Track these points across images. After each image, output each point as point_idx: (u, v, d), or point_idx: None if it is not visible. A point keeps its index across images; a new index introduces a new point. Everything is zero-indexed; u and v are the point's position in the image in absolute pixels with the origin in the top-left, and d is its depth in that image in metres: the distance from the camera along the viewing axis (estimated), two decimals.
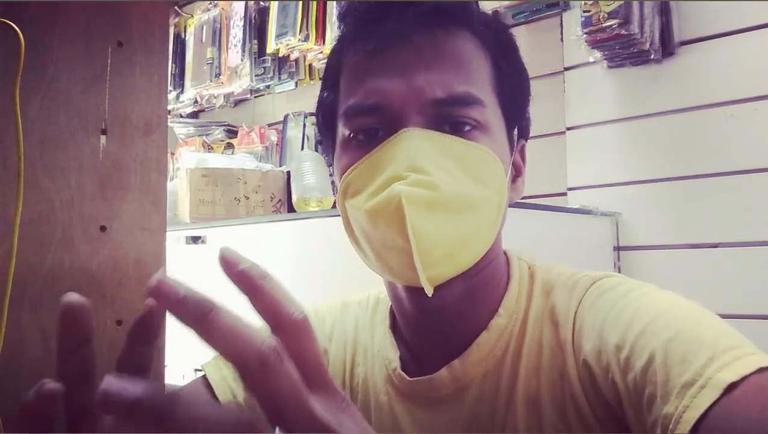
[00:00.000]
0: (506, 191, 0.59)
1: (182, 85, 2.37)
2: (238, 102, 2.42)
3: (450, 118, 0.56)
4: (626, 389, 0.49)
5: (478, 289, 0.60)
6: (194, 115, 2.57)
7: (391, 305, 0.67)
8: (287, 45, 1.97)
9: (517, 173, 0.64)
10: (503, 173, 0.57)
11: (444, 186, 0.53)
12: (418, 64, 0.56)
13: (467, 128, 0.56)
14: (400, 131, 0.54)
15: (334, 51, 0.64)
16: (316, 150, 1.85)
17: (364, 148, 0.56)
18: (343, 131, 0.59)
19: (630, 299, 0.54)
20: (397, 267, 0.55)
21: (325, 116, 0.63)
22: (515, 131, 0.62)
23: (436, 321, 0.60)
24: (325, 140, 0.65)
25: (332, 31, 1.89)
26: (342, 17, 0.63)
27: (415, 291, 0.57)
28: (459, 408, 0.59)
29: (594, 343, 0.53)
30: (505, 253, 0.65)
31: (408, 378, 0.62)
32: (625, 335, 0.50)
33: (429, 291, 0.54)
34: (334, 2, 1.89)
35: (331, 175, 1.62)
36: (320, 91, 0.65)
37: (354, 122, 0.57)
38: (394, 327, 0.67)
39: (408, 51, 0.56)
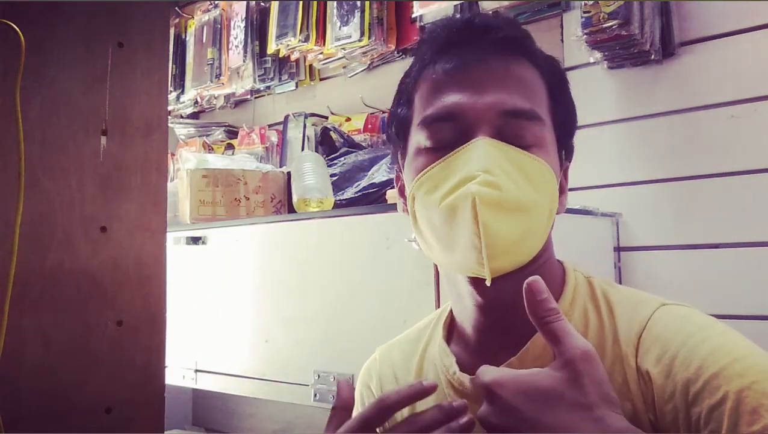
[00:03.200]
0: (557, 199, 0.67)
1: (182, 86, 2.37)
2: (239, 103, 2.42)
3: (515, 130, 0.64)
4: (687, 418, 0.56)
5: None
6: (195, 115, 2.56)
7: (446, 321, 0.76)
8: (288, 46, 1.97)
9: (561, 190, 0.72)
10: (555, 183, 0.66)
11: (507, 188, 0.61)
12: (490, 82, 0.65)
13: (529, 141, 0.64)
14: (475, 138, 0.63)
15: (410, 72, 0.72)
16: (317, 151, 1.85)
17: (438, 153, 0.65)
18: (418, 137, 0.67)
19: (707, 335, 0.59)
20: (463, 259, 0.63)
21: (398, 127, 0.73)
22: (562, 153, 0.71)
23: (494, 312, 0.68)
24: (395, 149, 0.75)
25: (333, 31, 1.89)
26: (422, 42, 0.72)
27: (476, 284, 0.66)
28: None
29: (663, 368, 0.59)
30: (561, 264, 0.72)
31: (469, 376, 0.68)
32: (700, 371, 0.56)
33: (488, 280, 0.61)
34: (335, 2, 1.89)
35: (335, 177, 1.62)
36: (393, 107, 0.74)
37: (431, 128, 0.66)
38: (449, 339, 0.75)
39: (482, 71, 0.65)
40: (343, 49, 1.88)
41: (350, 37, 1.84)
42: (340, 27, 1.87)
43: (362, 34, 1.82)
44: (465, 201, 0.60)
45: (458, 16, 1.62)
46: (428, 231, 0.67)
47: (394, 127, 0.74)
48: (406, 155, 0.71)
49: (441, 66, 0.67)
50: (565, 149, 0.71)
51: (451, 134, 0.65)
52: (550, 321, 0.53)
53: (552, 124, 0.68)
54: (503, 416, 0.52)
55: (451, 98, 0.65)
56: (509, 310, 0.67)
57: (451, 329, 0.75)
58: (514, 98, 0.64)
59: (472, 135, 0.63)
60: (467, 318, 0.71)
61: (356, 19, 1.83)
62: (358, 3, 1.83)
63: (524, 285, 0.54)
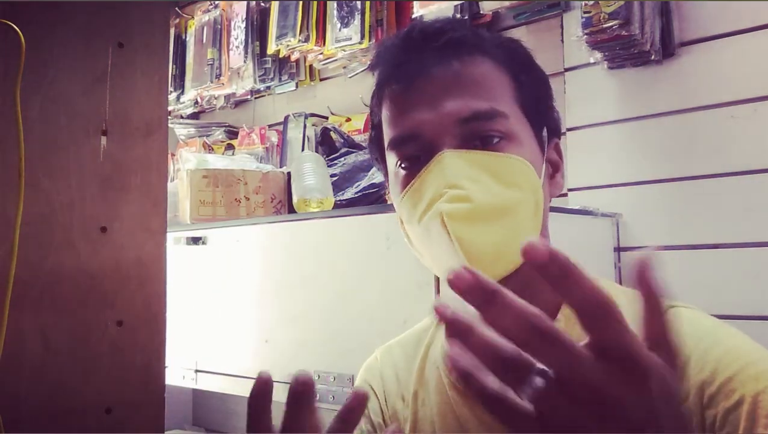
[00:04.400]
0: (541, 189, 0.65)
1: (183, 86, 2.37)
2: (239, 103, 2.42)
3: (478, 133, 0.63)
4: (701, 421, 0.55)
5: (532, 283, 0.65)
6: (195, 116, 2.56)
7: None
8: (288, 46, 1.97)
9: (554, 169, 0.71)
10: (535, 174, 0.64)
11: (478, 197, 0.60)
12: (441, 93, 0.64)
13: (495, 140, 0.63)
14: (436, 155, 0.62)
15: (372, 95, 0.73)
16: (317, 151, 1.85)
17: (410, 175, 0.65)
18: (390, 160, 0.68)
19: (718, 337, 0.59)
20: None
21: (375, 150, 0.74)
22: (544, 133, 0.69)
23: None
24: (380, 170, 0.76)
25: (333, 32, 1.89)
26: (373, 66, 0.72)
27: None
28: None
29: None
30: None
31: None
32: (715, 374, 0.56)
33: None
34: (335, 3, 1.89)
35: (335, 178, 1.62)
36: (369, 131, 0.76)
37: (398, 151, 0.66)
38: None
39: (432, 84, 0.64)
40: (343, 50, 1.88)
41: (350, 39, 1.84)
42: (340, 28, 1.87)
43: (363, 36, 1.82)
44: (436, 221, 0.60)
45: (458, 16, 1.62)
46: (421, 249, 0.67)
47: (371, 150, 0.75)
48: (388, 176, 0.71)
49: (392, 87, 0.67)
50: (546, 127, 0.70)
51: (418, 153, 0.65)
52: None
53: (521, 110, 0.66)
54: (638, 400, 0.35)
55: (409, 118, 0.65)
56: None
57: None
58: (469, 102, 0.63)
59: (437, 149, 0.63)
60: None
61: (356, 22, 1.83)
62: (358, 5, 1.83)
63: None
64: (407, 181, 0.65)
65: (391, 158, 0.68)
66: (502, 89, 0.66)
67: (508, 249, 0.62)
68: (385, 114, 0.69)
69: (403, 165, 0.66)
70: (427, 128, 0.64)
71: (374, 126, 0.73)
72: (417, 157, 0.65)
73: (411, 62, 0.66)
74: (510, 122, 0.64)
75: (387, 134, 0.68)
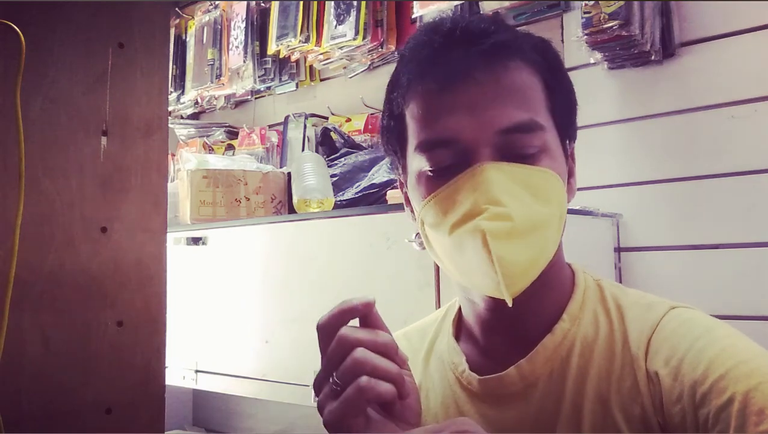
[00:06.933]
0: (566, 202, 0.65)
1: (183, 87, 2.37)
2: (239, 103, 2.42)
3: (516, 146, 0.61)
4: (694, 420, 0.56)
5: (542, 287, 0.66)
6: (195, 116, 2.56)
7: (454, 317, 0.75)
8: (288, 46, 1.97)
9: (570, 174, 0.70)
10: (563, 189, 0.64)
11: (518, 215, 0.59)
12: (483, 99, 0.61)
13: (532, 153, 0.62)
14: (476, 165, 0.60)
15: (396, 84, 0.68)
16: (317, 151, 1.85)
17: (440, 180, 0.62)
18: (419, 161, 0.65)
19: (714, 337, 0.59)
20: (483, 286, 0.62)
21: (393, 143, 0.70)
22: (567, 142, 0.68)
23: (505, 315, 0.66)
24: (393, 162, 0.73)
25: (328, 30, 1.89)
26: (403, 58, 0.68)
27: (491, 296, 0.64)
28: (526, 404, 0.65)
29: (671, 370, 0.59)
30: (570, 267, 0.72)
31: (478, 376, 0.68)
32: (707, 373, 0.56)
33: (510, 303, 0.60)
34: (332, 2, 1.89)
35: (335, 178, 1.62)
36: (383, 120, 0.71)
37: (429, 154, 0.63)
38: (458, 336, 0.74)
39: (473, 88, 0.62)
40: (340, 48, 1.88)
41: (345, 35, 1.84)
42: (335, 26, 1.87)
43: (357, 33, 1.81)
44: (475, 236, 0.58)
45: (457, 16, 1.62)
46: (442, 254, 0.65)
47: (388, 142, 0.71)
48: (407, 172, 0.68)
49: (429, 85, 0.63)
50: (567, 132, 0.68)
51: (451, 159, 0.62)
52: None
53: (552, 120, 0.65)
54: None
55: (445, 122, 0.62)
56: (520, 312, 0.66)
57: (459, 326, 0.75)
58: (510, 112, 0.61)
59: (472, 158, 0.61)
60: (477, 319, 0.70)
61: (351, 18, 1.83)
62: (354, 2, 1.83)
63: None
64: (436, 186, 0.63)
65: (418, 159, 0.64)
66: (539, 99, 0.64)
67: (538, 261, 0.62)
68: (413, 111, 0.65)
69: (432, 168, 0.63)
70: (465, 134, 0.61)
71: (393, 117, 0.69)
72: (449, 162, 0.62)
73: (452, 62, 0.62)
74: (546, 134, 0.63)
75: (415, 134, 0.65)
